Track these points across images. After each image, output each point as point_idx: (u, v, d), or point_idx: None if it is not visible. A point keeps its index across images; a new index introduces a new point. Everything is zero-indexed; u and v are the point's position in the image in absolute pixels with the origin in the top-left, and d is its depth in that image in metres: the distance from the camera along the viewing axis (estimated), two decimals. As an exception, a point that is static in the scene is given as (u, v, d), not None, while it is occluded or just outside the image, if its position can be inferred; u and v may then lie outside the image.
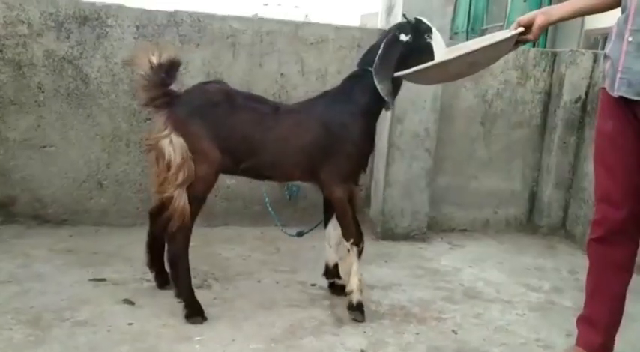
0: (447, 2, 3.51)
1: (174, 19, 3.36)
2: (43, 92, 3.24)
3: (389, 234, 3.64)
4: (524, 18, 2.06)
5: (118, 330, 2.17)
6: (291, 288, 2.73)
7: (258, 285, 2.74)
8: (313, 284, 2.78)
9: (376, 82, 2.27)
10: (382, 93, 2.27)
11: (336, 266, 2.63)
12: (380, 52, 2.30)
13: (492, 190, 4.05)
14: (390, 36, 2.34)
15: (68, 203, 3.38)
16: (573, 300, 2.83)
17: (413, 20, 2.38)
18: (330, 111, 2.40)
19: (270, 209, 3.11)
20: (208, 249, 3.13)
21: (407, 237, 3.66)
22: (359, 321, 2.41)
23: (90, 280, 2.63)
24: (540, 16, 2.02)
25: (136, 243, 2.97)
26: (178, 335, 2.16)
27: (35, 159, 3.29)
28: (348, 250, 2.46)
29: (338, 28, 3.63)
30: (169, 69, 2.23)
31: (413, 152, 3.56)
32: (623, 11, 1.89)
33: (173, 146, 2.19)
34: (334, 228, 2.57)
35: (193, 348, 2.07)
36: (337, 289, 2.64)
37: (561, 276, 3.25)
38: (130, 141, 3.39)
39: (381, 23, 3.78)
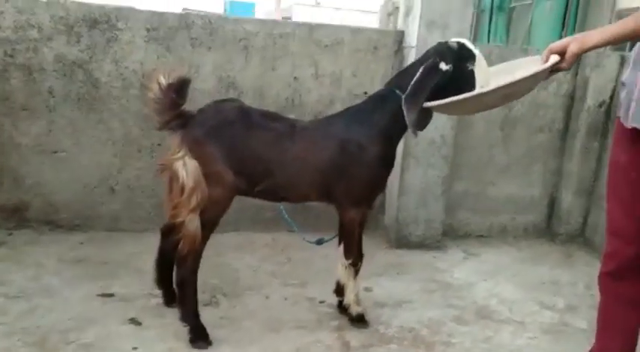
0: (466, 3, 3.38)
1: (185, 21, 3.29)
2: (53, 97, 3.21)
3: (403, 243, 3.58)
4: (557, 45, 1.94)
5: (123, 356, 2.17)
6: (299, 306, 2.70)
7: (266, 302, 2.72)
8: (322, 302, 2.75)
9: (405, 110, 2.15)
10: (409, 123, 2.15)
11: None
12: (416, 78, 2.16)
13: (511, 196, 3.96)
14: (430, 63, 2.18)
15: (80, 208, 3.38)
16: (587, 320, 2.76)
17: (455, 45, 2.21)
18: (348, 130, 2.33)
19: (286, 216, 3.04)
20: (219, 258, 3.11)
21: (421, 245, 3.60)
22: (364, 329, 2.53)
23: (98, 295, 2.63)
24: (574, 43, 1.90)
25: (146, 251, 2.96)
26: (182, 362, 2.16)
27: (47, 165, 3.29)
28: (345, 267, 2.49)
29: (353, 30, 3.53)
30: (179, 89, 2.18)
31: (429, 160, 3.47)
32: None
33: (186, 169, 2.15)
34: None
35: (197, 377, 2.06)
36: (346, 309, 2.61)
37: (577, 292, 3.17)
38: (141, 146, 3.36)
39: (400, 24, 3.65)
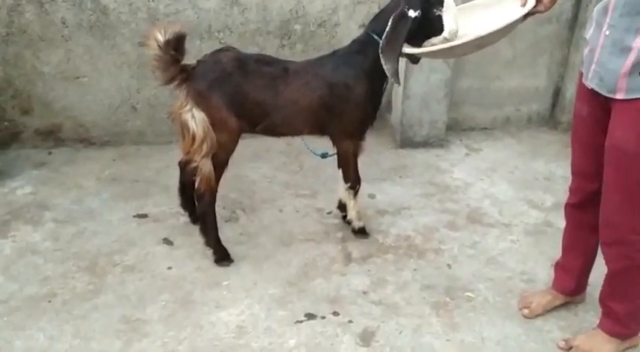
0: None
1: (184, -62, 3.28)
2: (67, 27, 3.36)
3: (407, 143, 3.82)
4: None
5: (160, 276, 2.59)
6: (309, 218, 3.06)
7: (279, 216, 3.08)
8: (329, 213, 3.09)
9: (382, 62, 2.27)
10: (388, 73, 2.29)
11: None
12: (387, 30, 2.26)
13: (515, 88, 4.07)
14: (398, 12, 2.26)
15: (108, 126, 3.69)
16: (571, 220, 3.06)
17: None
18: (335, 72, 2.49)
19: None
20: (237, 170, 3.41)
21: (425, 144, 3.84)
22: (365, 239, 2.88)
23: (134, 216, 3.03)
24: None
25: (172, 166, 3.28)
26: (209, 280, 2.57)
27: (71, 90, 3.54)
28: (345, 189, 2.80)
29: None
30: (177, 44, 2.33)
31: (431, 64, 3.57)
32: None
33: (195, 120, 2.38)
34: None
35: (222, 295, 2.49)
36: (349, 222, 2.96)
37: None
38: (155, 67, 3.54)
39: None
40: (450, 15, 2.25)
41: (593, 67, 1.87)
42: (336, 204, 3.02)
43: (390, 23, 2.27)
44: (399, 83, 2.39)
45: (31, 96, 3.50)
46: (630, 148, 1.79)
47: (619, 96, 1.78)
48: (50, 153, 3.63)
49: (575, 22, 3.88)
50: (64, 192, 3.22)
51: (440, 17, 2.25)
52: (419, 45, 2.35)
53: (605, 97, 1.84)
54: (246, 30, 3.54)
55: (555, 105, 4.17)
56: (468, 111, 4.07)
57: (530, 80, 4.06)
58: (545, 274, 2.67)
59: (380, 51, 2.28)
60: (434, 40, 2.30)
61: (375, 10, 3.58)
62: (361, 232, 2.90)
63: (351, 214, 2.87)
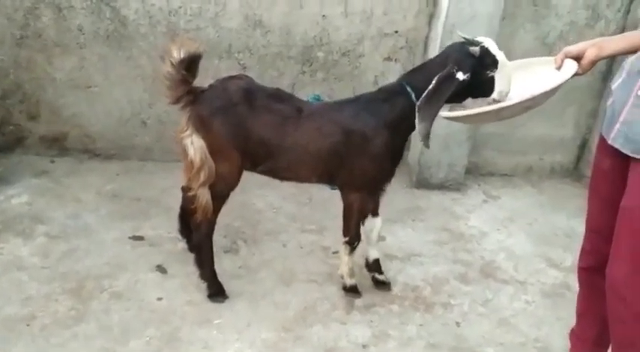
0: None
1: (211, -45, 3.18)
2: (83, 34, 3.26)
3: (423, 184, 3.66)
4: (574, 49, 1.87)
5: (148, 307, 2.43)
6: (313, 256, 2.89)
7: (282, 251, 2.91)
8: (335, 252, 2.90)
9: (417, 120, 2.06)
10: (420, 134, 2.07)
11: (376, 261, 2.70)
12: (429, 89, 2.04)
13: (540, 137, 3.91)
14: (446, 72, 2.04)
15: (115, 139, 3.56)
16: (591, 283, 2.86)
17: (477, 51, 2.05)
18: (354, 119, 2.29)
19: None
20: (243, 196, 3.25)
21: (442, 186, 3.67)
22: (358, 298, 2.62)
23: (129, 238, 2.87)
24: (591, 49, 1.83)
25: (176, 186, 3.13)
26: (200, 316, 2.40)
27: (81, 99, 3.43)
28: (342, 243, 2.55)
29: (387, -36, 3.33)
30: (190, 65, 2.20)
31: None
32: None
33: (194, 147, 2.25)
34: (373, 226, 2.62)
35: (211, 334, 2.31)
36: (377, 283, 2.72)
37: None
38: (170, 82, 3.42)
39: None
40: (502, 75, 2.05)
41: (617, 126, 1.74)
42: (362, 261, 2.74)
43: (434, 82, 2.04)
44: (428, 146, 2.16)
45: (39, 101, 3.39)
46: None
47: None
48: (53, 162, 3.51)
49: (608, 75, 3.72)
50: (61, 205, 3.08)
51: (492, 79, 2.05)
52: (458, 103, 2.18)
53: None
54: (267, 53, 3.41)
55: (581, 157, 4.00)
56: (489, 156, 3.91)
57: (556, 129, 3.89)
58: (561, 343, 2.46)
59: (417, 109, 2.06)
60: (479, 101, 2.10)
61: (402, 44, 3.47)
62: (352, 290, 2.64)
63: (343, 270, 2.61)
